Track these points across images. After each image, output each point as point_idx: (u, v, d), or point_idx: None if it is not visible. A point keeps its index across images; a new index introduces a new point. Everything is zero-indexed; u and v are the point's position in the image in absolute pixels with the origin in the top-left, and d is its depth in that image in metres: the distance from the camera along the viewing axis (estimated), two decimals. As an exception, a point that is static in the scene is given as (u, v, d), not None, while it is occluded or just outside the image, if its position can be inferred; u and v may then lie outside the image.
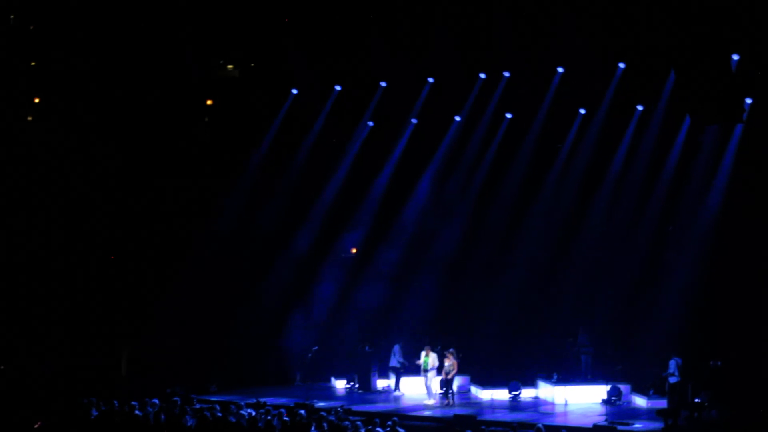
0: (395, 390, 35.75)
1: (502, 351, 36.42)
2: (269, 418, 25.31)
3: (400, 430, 24.56)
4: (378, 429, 24.20)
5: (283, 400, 32.47)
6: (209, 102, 40.19)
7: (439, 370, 33.42)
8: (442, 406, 32.73)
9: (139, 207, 38.66)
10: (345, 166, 39.00)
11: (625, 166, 36.08)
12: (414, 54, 35.70)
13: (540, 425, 24.99)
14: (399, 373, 35.68)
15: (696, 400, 29.45)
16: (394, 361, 35.57)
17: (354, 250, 39.78)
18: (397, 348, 35.61)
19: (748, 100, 31.32)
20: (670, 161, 35.20)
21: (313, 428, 24.63)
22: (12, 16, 38.11)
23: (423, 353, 33.83)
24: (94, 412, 25.99)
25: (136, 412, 25.68)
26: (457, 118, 37.71)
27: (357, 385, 36.41)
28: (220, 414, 25.22)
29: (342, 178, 39.01)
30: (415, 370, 34.66)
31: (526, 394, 34.39)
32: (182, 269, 37.61)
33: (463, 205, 38.36)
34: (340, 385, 37.17)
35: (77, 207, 38.44)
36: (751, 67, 29.89)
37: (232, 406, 26.17)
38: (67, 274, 38.12)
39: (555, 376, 34.20)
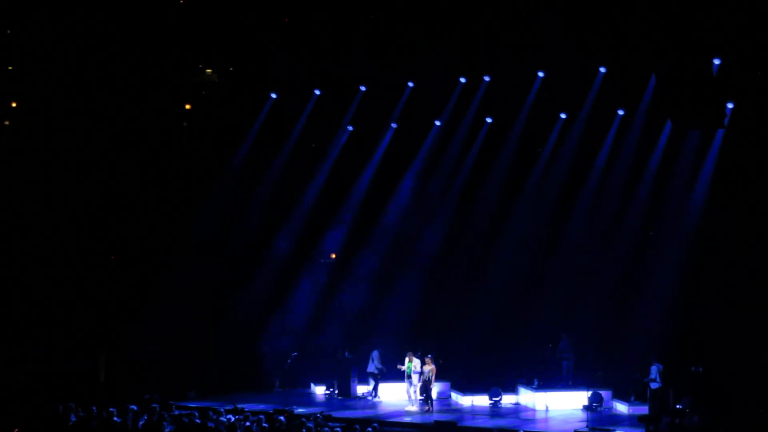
0: (374, 396, 35.57)
1: (482, 357, 36.38)
2: (248, 424, 25.11)
3: (381, 436, 24.45)
4: (358, 435, 24.10)
5: (262, 407, 32.25)
6: (188, 106, 39.98)
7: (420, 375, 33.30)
8: (422, 412, 32.57)
9: (118, 212, 38.42)
10: (324, 171, 38.84)
11: (606, 170, 36.06)
12: (394, 58, 35.58)
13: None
14: (377, 379, 35.52)
15: (677, 407, 29.38)
16: (372, 367, 35.41)
17: (333, 256, 39.64)
18: (375, 354, 35.46)
19: (730, 105, 31.30)
20: (651, 166, 35.20)
21: (292, 434, 24.49)
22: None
23: (407, 359, 33.63)
24: (73, 418, 25.75)
25: (115, 418, 25.43)
26: (437, 123, 37.60)
27: (336, 391, 36.19)
28: (198, 420, 25.01)
29: (321, 183, 38.86)
30: (395, 376, 34.49)
31: (507, 400, 34.26)
32: (161, 275, 37.42)
33: (443, 210, 38.30)
34: (319, 391, 36.98)
35: (54, 213, 38.14)
36: (732, 72, 29.84)
37: (211, 413, 25.95)
38: (45, 280, 37.82)
39: (536, 382, 34.10)
